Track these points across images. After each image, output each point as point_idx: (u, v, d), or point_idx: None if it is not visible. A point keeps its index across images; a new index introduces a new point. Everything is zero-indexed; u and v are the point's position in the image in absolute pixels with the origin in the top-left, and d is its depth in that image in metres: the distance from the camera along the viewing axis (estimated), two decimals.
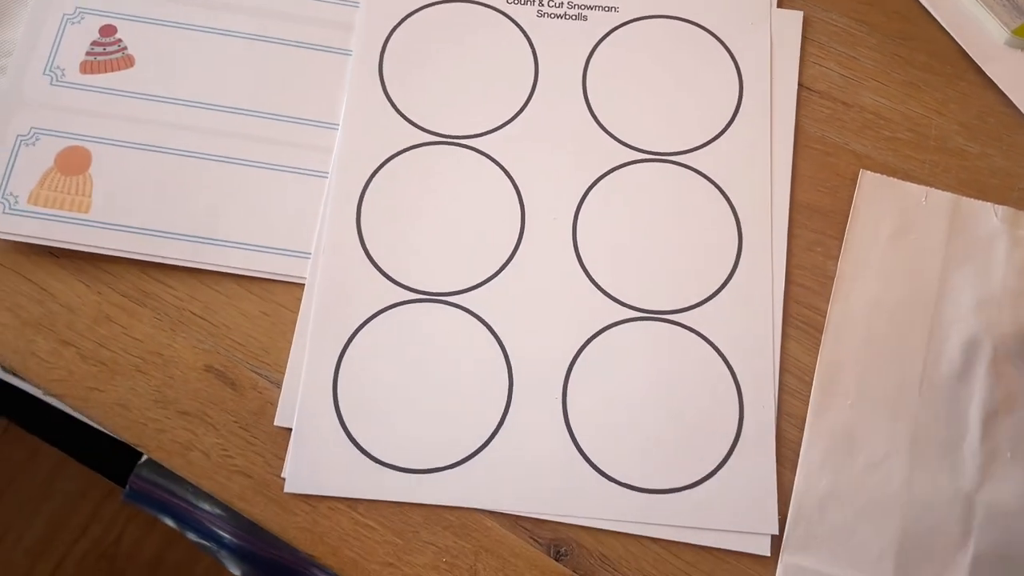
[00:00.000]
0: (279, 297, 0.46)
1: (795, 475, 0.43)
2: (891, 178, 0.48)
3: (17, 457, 1.09)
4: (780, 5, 0.52)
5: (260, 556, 0.71)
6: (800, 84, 0.50)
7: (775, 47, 0.51)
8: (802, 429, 0.44)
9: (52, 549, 1.06)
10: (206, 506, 0.68)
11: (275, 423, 0.44)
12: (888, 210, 0.46)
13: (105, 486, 1.07)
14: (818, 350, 0.46)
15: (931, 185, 0.48)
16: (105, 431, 0.45)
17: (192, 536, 0.73)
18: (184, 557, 1.06)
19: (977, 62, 0.51)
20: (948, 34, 0.52)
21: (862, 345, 0.45)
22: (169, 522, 0.74)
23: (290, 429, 0.44)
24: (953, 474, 0.42)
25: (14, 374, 0.45)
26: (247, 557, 0.72)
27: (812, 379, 0.45)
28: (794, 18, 0.52)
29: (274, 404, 0.44)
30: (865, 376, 0.44)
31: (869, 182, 0.48)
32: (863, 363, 0.45)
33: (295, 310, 0.46)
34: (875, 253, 0.46)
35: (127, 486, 0.73)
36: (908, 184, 0.48)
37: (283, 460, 0.43)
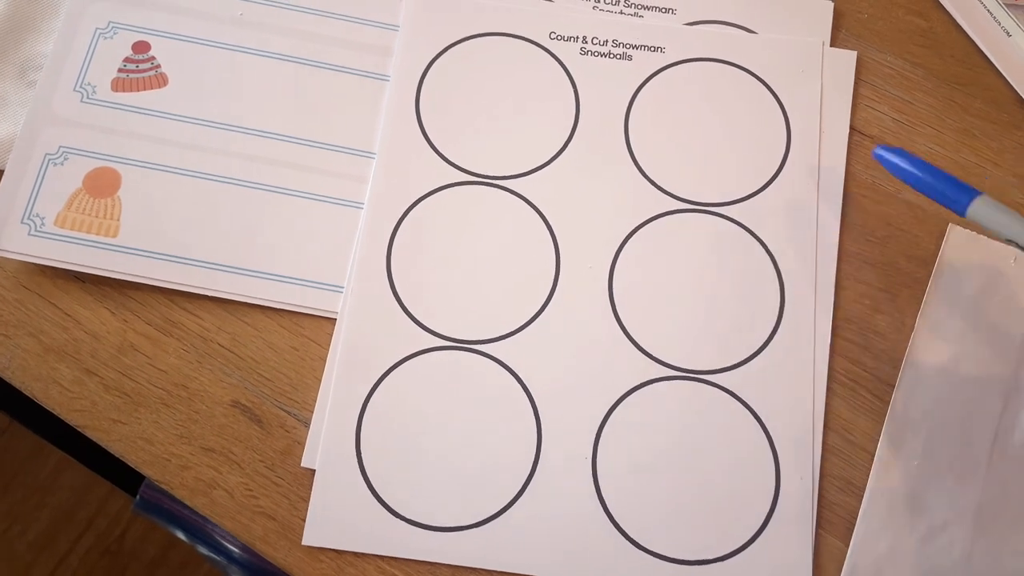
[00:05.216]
0: (309, 331, 0.45)
1: (838, 538, 0.42)
2: (980, 235, 0.46)
3: (23, 449, 1.09)
4: (833, 44, 0.50)
5: (269, 573, 0.70)
6: (852, 128, 0.49)
7: (827, 88, 0.49)
8: (846, 491, 0.43)
9: (56, 544, 1.06)
10: None
11: (302, 464, 0.42)
12: (974, 269, 0.44)
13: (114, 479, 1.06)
14: (864, 407, 0.44)
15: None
16: (128, 464, 0.43)
17: (202, 549, 0.73)
18: (188, 558, 1.06)
19: None
20: (1007, 81, 0.50)
21: (934, 405, 0.43)
22: (180, 535, 0.73)
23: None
24: (1017, 551, 0.41)
25: (36, 402, 0.44)
26: (256, 574, 0.71)
27: (857, 438, 0.44)
28: (847, 59, 0.50)
29: (301, 444, 0.43)
30: (934, 437, 0.43)
31: (958, 238, 0.46)
32: (934, 423, 0.43)
33: (326, 346, 0.44)
34: (957, 312, 0.45)
35: (138, 496, 0.72)
36: (996, 243, 0.46)
37: (308, 503, 0.42)
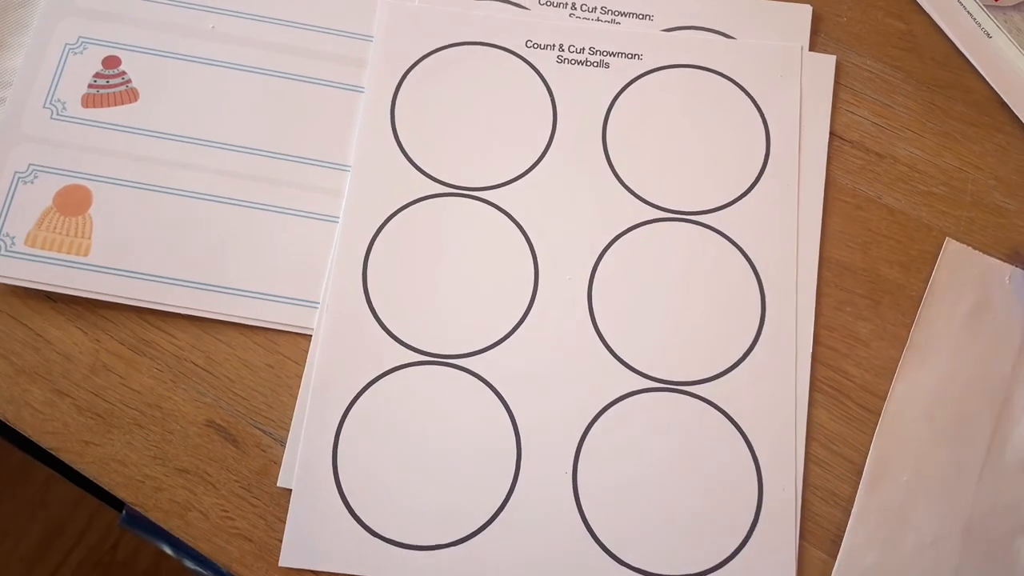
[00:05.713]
0: (284, 348, 0.44)
1: (822, 550, 0.42)
2: (976, 251, 0.46)
3: (14, 462, 1.08)
4: (812, 48, 0.50)
5: None
6: (832, 133, 0.48)
7: (806, 93, 0.49)
8: (830, 502, 0.42)
9: (48, 556, 1.05)
10: None
11: (278, 484, 0.42)
12: (969, 286, 0.44)
13: (102, 494, 1.05)
14: (846, 416, 0.44)
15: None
16: (101, 486, 0.43)
17: (189, 564, 0.72)
18: (180, 570, 1.05)
19: (1017, 113, 0.49)
20: (987, 83, 0.49)
21: (925, 421, 0.43)
22: (166, 549, 0.72)
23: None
24: (1005, 570, 0.40)
25: (7, 424, 0.43)
26: None
27: (840, 448, 0.43)
28: (826, 63, 0.49)
29: (277, 463, 0.42)
30: (924, 453, 0.42)
31: (953, 252, 0.46)
32: (924, 440, 0.43)
33: (301, 363, 0.44)
34: (950, 328, 0.44)
35: (123, 511, 0.71)
36: (992, 259, 0.46)
37: (285, 523, 0.41)
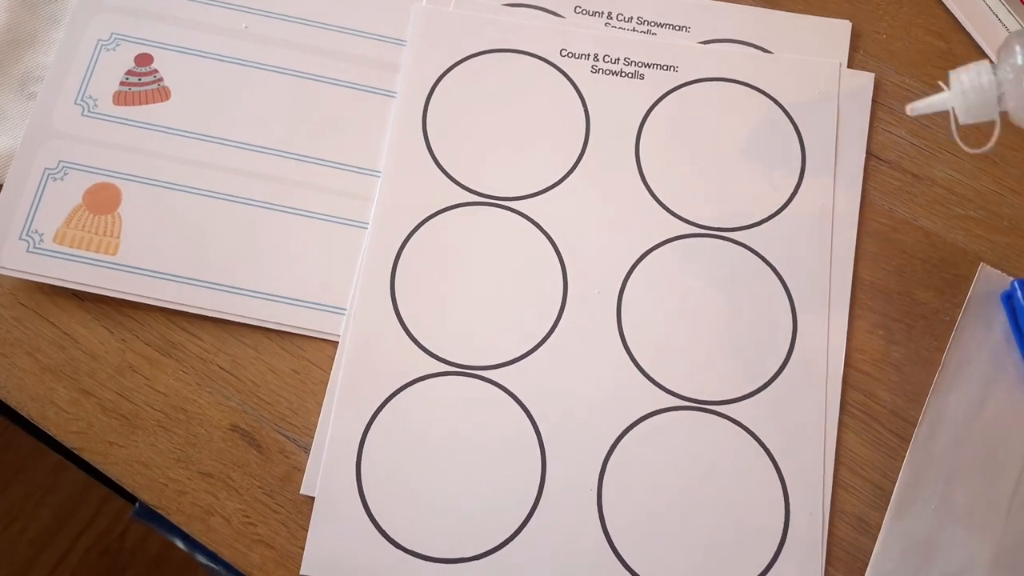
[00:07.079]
0: (310, 354, 0.44)
1: None
2: (1011, 278, 0.45)
3: (24, 446, 1.08)
4: (851, 65, 0.49)
5: None
6: (868, 152, 0.48)
7: (843, 110, 0.48)
8: (857, 528, 0.42)
9: (56, 542, 1.05)
10: None
11: (301, 491, 0.42)
12: (1003, 313, 0.43)
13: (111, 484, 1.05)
14: (876, 441, 0.43)
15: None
16: (124, 487, 0.43)
17: (201, 559, 0.72)
18: (188, 558, 1.05)
19: None
20: None
21: (955, 448, 0.42)
22: (179, 543, 0.72)
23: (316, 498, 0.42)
24: None
25: (32, 422, 0.43)
26: None
27: (869, 473, 0.43)
28: (865, 80, 0.49)
29: (301, 470, 0.42)
30: (953, 482, 0.42)
31: (988, 277, 0.45)
32: (953, 468, 0.42)
33: (327, 369, 0.44)
34: (983, 355, 0.44)
35: (136, 503, 0.72)
36: None
37: (307, 531, 0.41)
